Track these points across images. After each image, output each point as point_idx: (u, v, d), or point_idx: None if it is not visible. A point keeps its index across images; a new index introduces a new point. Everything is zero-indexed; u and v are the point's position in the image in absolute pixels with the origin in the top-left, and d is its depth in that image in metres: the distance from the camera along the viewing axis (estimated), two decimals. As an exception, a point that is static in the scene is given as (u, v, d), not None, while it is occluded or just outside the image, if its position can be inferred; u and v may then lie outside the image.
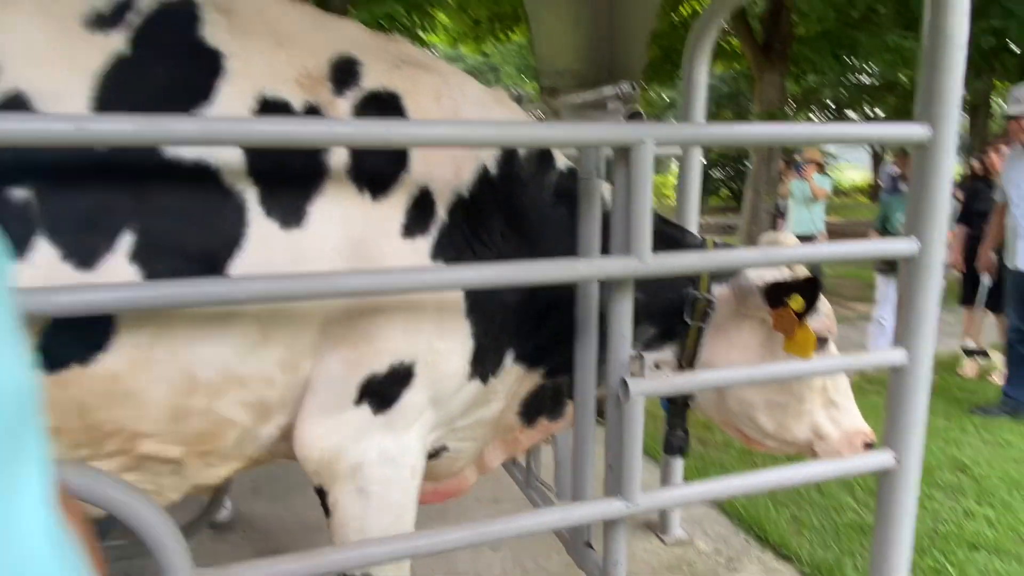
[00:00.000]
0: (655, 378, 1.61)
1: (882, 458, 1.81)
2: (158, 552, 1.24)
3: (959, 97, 1.70)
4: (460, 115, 1.55)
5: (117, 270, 1.21)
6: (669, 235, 1.80)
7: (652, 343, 1.80)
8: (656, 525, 3.01)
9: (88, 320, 1.17)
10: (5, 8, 1.23)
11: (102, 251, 1.22)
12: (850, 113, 20.08)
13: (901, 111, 16.29)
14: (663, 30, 9.61)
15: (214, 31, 1.32)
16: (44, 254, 1.19)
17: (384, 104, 1.45)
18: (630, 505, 1.61)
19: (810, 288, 1.68)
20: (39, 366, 1.21)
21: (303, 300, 1.32)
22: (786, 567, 2.74)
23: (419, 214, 1.46)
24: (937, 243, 1.73)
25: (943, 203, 1.73)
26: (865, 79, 15.59)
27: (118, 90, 1.24)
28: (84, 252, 1.21)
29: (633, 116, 1.66)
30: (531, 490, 2.28)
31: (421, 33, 8.75)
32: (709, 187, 27.60)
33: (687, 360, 1.79)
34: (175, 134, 1.16)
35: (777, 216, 8.40)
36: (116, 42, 1.26)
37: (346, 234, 1.37)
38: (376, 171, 1.40)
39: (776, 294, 1.71)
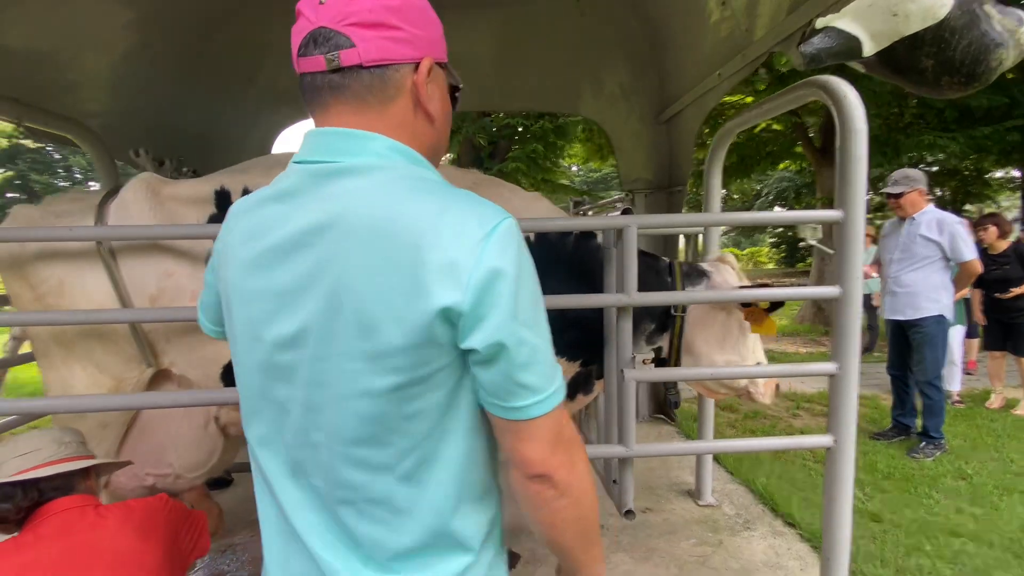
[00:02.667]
0: (641, 370, 1.66)
1: (826, 440, 1.71)
2: None
3: (863, 191, 1.63)
4: (509, 207, 1.72)
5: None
6: (649, 265, 1.87)
7: (653, 334, 1.88)
8: (693, 492, 2.87)
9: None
10: (271, 173, 1.61)
11: None
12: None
13: (959, 191, 13.88)
14: (738, 142, 9.13)
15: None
16: None
17: None
18: (628, 450, 1.66)
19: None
20: None
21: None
22: (790, 531, 2.50)
23: None
24: (855, 290, 1.65)
25: (857, 263, 1.65)
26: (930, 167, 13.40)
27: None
28: None
29: (625, 211, 1.79)
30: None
31: (560, 160, 9.00)
32: (797, 256, 24.83)
33: (676, 339, 1.86)
34: None
35: None
36: None
37: None
38: None
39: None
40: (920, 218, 3.40)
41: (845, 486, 1.70)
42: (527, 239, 1.64)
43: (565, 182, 10.01)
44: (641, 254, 1.93)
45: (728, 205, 22.61)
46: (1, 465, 1.09)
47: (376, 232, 0.57)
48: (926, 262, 3.35)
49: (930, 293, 3.35)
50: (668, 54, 3.25)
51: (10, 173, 20.18)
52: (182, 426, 1.52)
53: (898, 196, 3.46)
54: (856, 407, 1.69)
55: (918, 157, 9.38)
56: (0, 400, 1.64)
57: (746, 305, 1.77)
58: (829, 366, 1.68)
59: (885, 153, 8.27)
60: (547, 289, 1.61)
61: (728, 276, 1.92)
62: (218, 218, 1.45)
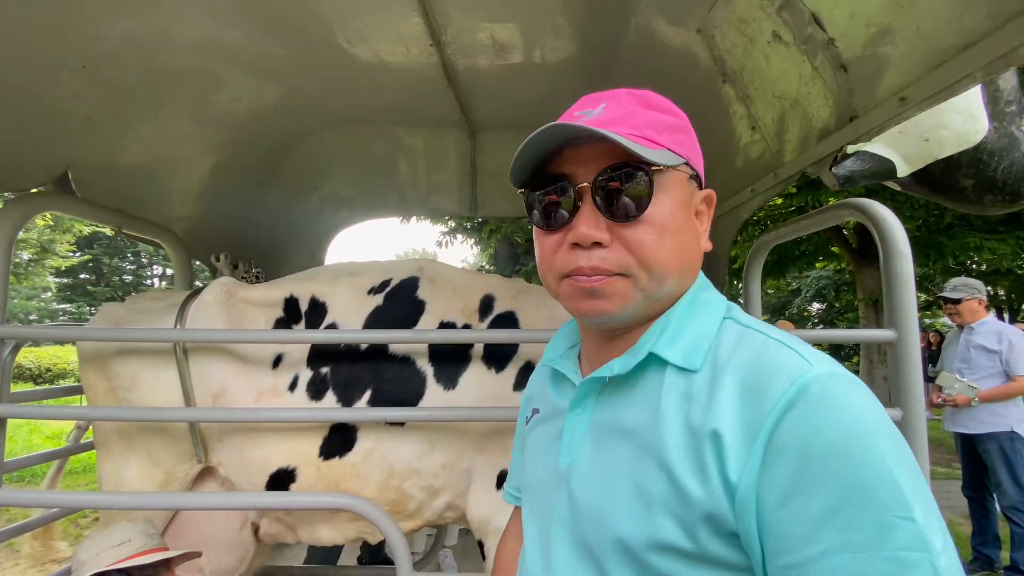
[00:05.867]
0: None
1: None
2: (394, 548, 1.36)
3: (914, 310, 1.63)
4: (552, 314, 1.63)
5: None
6: None
7: None
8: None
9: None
10: (336, 282, 1.61)
11: (356, 399, 1.48)
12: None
13: (1015, 291, 13.41)
14: (778, 245, 9.17)
15: (424, 290, 1.61)
16: (329, 399, 1.46)
17: (506, 319, 1.60)
18: None
19: None
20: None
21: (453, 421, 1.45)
22: None
23: (524, 376, 1.53)
24: (916, 413, 1.57)
25: (916, 383, 1.60)
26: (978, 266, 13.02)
27: (375, 322, 1.54)
28: (346, 398, 1.48)
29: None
30: None
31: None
32: (843, 355, 23.81)
33: None
34: (395, 339, 1.44)
35: None
36: (379, 300, 1.58)
37: (481, 392, 1.50)
38: (498, 356, 1.54)
39: None
40: (979, 328, 3.30)
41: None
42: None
43: (599, 277, 10.23)
44: None
45: (763, 302, 22.20)
46: (99, 555, 1.21)
47: None
48: (987, 373, 3.19)
49: (994, 407, 3.13)
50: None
51: (86, 256, 22.09)
52: (218, 528, 1.52)
53: (956, 302, 3.40)
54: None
55: (964, 258, 9.17)
56: (62, 493, 1.69)
57: None
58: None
59: (928, 255, 8.14)
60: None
61: None
62: (284, 323, 1.55)
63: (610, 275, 0.59)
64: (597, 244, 0.59)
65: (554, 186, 0.61)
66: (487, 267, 11.22)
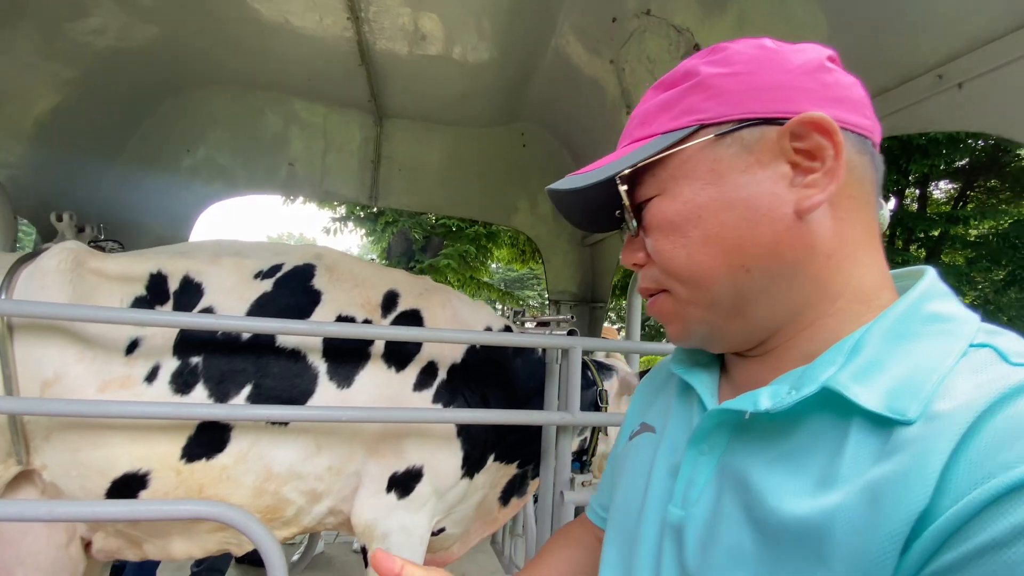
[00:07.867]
0: (580, 492, 1.60)
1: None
2: (269, 561, 1.23)
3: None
4: (457, 315, 1.63)
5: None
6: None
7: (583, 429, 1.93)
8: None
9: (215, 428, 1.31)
10: (217, 261, 1.42)
11: (232, 394, 1.32)
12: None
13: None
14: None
15: (320, 280, 1.49)
16: (199, 393, 1.28)
17: (410, 316, 1.55)
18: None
19: None
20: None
21: (348, 421, 1.35)
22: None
23: (425, 376, 1.50)
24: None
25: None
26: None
27: (261, 310, 1.40)
28: (220, 394, 1.31)
29: (570, 332, 1.86)
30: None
31: (486, 260, 9.37)
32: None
33: (598, 432, 1.95)
34: (285, 329, 1.29)
35: None
36: (267, 286, 1.43)
37: (378, 392, 1.43)
38: (400, 354, 1.49)
39: None
40: None
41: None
42: (472, 348, 1.62)
43: (488, 280, 10.38)
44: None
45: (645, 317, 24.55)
46: None
47: None
48: None
49: None
50: (596, 187, 3.65)
51: None
52: (37, 543, 1.25)
53: None
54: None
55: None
56: None
57: None
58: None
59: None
60: (489, 395, 1.61)
61: (626, 366, 2.14)
62: (145, 303, 1.32)
63: (657, 294, 0.52)
64: (637, 265, 0.54)
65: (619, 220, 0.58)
66: (377, 260, 10.82)
